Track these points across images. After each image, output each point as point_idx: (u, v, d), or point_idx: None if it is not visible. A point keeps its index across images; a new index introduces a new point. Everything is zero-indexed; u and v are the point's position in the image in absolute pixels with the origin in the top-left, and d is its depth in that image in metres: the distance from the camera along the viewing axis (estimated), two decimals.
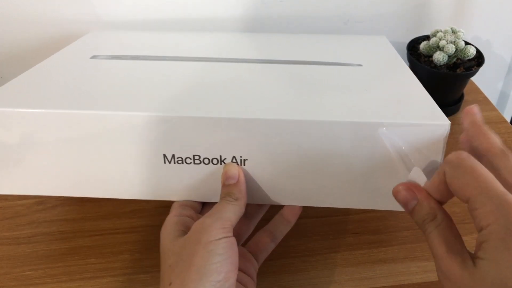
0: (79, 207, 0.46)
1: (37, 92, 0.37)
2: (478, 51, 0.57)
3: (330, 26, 0.67)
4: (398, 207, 0.33)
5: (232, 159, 0.35)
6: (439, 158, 0.34)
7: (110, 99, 0.36)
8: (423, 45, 0.57)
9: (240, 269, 0.34)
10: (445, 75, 0.54)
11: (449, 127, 0.33)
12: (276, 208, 0.38)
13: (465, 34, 0.55)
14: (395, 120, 0.33)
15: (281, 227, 0.37)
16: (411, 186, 0.28)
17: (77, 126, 0.34)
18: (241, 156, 0.35)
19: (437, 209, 0.27)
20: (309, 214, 0.38)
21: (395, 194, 0.29)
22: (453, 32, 0.55)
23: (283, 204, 0.37)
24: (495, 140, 0.28)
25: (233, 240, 0.31)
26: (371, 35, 0.59)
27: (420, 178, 0.29)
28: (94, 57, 0.46)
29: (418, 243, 0.42)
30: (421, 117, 0.34)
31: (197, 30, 0.64)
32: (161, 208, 0.45)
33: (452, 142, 0.34)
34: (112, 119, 0.34)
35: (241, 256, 0.34)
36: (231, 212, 0.33)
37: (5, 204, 0.46)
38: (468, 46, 0.54)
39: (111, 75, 0.41)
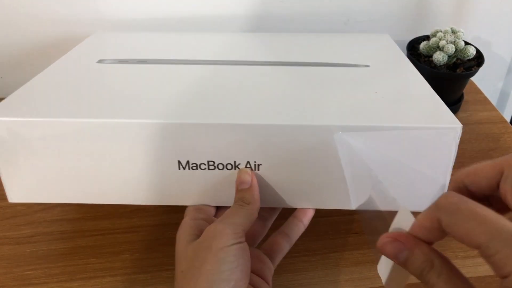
0: (79, 207, 0.46)
1: (47, 101, 0.37)
2: (478, 51, 0.57)
3: (330, 26, 0.67)
4: (420, 208, 0.33)
5: (246, 164, 0.35)
6: (450, 162, 0.35)
7: (122, 107, 0.36)
8: (423, 45, 0.57)
9: (254, 272, 0.34)
10: (445, 75, 0.54)
11: (461, 130, 0.33)
12: (290, 208, 0.38)
13: (465, 34, 0.55)
14: (407, 124, 0.33)
15: (295, 228, 0.37)
16: (397, 236, 0.25)
17: (91, 134, 0.34)
18: (255, 161, 0.35)
19: (432, 254, 0.23)
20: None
21: (381, 248, 0.25)
22: (453, 32, 0.55)
23: (297, 207, 0.37)
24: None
25: (245, 246, 0.31)
26: (374, 33, 0.59)
27: (407, 218, 0.26)
28: (100, 61, 0.45)
29: None
30: (433, 120, 0.34)
31: (199, 29, 0.65)
32: (161, 208, 0.45)
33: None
34: (126, 127, 0.34)
35: (255, 258, 0.34)
36: (243, 217, 0.33)
37: (5, 204, 0.46)
38: (468, 46, 0.54)
39: (120, 81, 0.41)
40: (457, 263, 0.40)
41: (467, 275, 0.40)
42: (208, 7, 0.63)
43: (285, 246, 0.37)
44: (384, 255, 0.25)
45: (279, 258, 0.36)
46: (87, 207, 0.46)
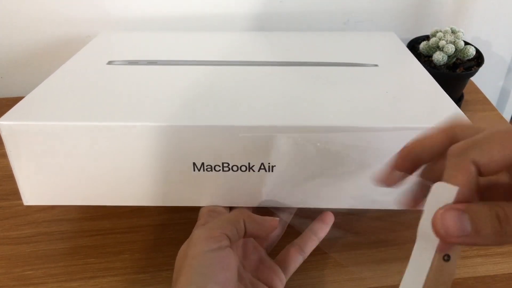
0: (79, 207, 0.46)
1: (61, 104, 0.37)
2: (478, 51, 0.57)
3: (329, 26, 0.67)
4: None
5: (260, 166, 0.35)
6: None
7: (137, 110, 0.36)
8: (423, 45, 0.57)
9: (265, 282, 0.33)
10: (445, 75, 0.54)
11: None
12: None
13: (465, 34, 0.55)
14: (420, 125, 0.34)
15: (310, 242, 0.37)
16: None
17: (106, 138, 0.34)
18: (269, 163, 0.35)
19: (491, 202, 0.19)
20: (309, 215, 0.38)
21: (443, 227, 0.19)
22: (453, 32, 0.55)
23: (310, 206, 0.38)
24: None
25: (224, 253, 0.29)
26: (379, 31, 0.59)
27: (447, 193, 0.20)
28: (110, 62, 0.45)
29: None
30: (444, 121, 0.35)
31: (200, 28, 0.65)
32: (161, 207, 0.45)
33: None
34: (141, 130, 0.34)
35: (268, 268, 0.34)
36: (225, 220, 0.31)
37: (5, 204, 0.46)
38: (468, 46, 0.54)
39: (132, 84, 0.41)
40: (457, 263, 0.40)
41: (467, 275, 0.41)
42: (208, 7, 0.63)
43: (298, 258, 0.36)
44: (447, 237, 0.19)
45: (292, 270, 0.36)
46: (87, 207, 0.46)
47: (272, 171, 0.35)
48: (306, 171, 0.35)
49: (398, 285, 0.39)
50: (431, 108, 0.37)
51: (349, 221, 0.44)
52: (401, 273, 0.39)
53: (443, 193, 0.20)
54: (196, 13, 0.63)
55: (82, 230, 0.44)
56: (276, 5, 0.64)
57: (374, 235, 0.43)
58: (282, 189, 0.37)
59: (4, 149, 0.52)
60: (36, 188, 0.37)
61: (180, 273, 0.29)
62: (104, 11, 0.62)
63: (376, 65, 0.45)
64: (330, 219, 0.38)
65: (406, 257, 0.41)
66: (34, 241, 0.43)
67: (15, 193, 0.37)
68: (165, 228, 0.44)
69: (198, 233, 0.30)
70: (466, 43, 0.55)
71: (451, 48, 0.53)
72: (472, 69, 0.54)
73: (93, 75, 0.43)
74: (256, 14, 0.64)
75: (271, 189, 0.36)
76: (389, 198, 0.37)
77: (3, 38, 0.63)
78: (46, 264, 0.40)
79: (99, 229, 0.44)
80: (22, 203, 0.46)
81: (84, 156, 0.35)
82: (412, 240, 0.44)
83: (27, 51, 0.64)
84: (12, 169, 0.36)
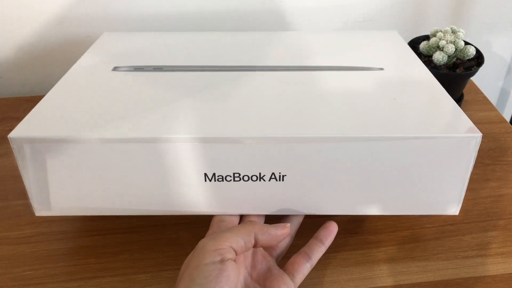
0: None
1: (69, 116, 0.37)
2: (478, 51, 0.57)
3: (329, 26, 0.67)
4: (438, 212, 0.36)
5: (271, 175, 0.35)
6: (468, 168, 0.35)
7: (146, 122, 0.36)
8: (423, 45, 0.57)
9: None
10: (445, 75, 0.54)
11: (480, 139, 0.34)
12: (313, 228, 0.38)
13: (465, 34, 0.55)
14: (428, 134, 0.34)
15: (317, 249, 0.36)
16: None
17: (117, 151, 0.34)
18: (280, 173, 0.35)
19: None
20: (309, 214, 0.38)
21: None
22: (453, 32, 0.55)
23: (319, 214, 0.38)
24: None
25: (226, 266, 0.29)
26: (381, 30, 0.59)
27: None
28: (115, 68, 0.45)
29: (418, 243, 0.42)
30: (453, 129, 0.35)
31: (199, 27, 0.65)
32: None
33: None
34: (153, 142, 0.34)
35: (275, 277, 0.34)
36: (234, 233, 0.31)
37: (5, 204, 0.46)
38: (468, 46, 0.55)
39: (139, 93, 0.41)
40: (457, 263, 0.40)
41: (467, 275, 0.41)
42: (207, 5, 0.63)
43: (306, 267, 0.36)
44: None
45: (300, 278, 0.35)
46: None
47: (283, 180, 0.36)
48: (316, 178, 0.36)
49: (399, 285, 0.39)
50: (439, 116, 0.37)
51: (350, 221, 0.44)
52: (401, 273, 0.40)
53: None
54: (196, 12, 0.63)
55: (82, 230, 0.44)
56: (276, 4, 0.64)
57: (375, 235, 0.43)
58: (292, 197, 0.37)
59: (4, 149, 0.52)
60: (47, 199, 0.37)
61: (180, 281, 0.29)
62: (104, 10, 0.62)
63: (382, 69, 0.45)
64: (334, 228, 0.38)
65: (406, 257, 0.41)
66: (34, 241, 0.43)
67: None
68: (165, 228, 0.44)
69: (203, 244, 0.30)
70: (466, 43, 0.55)
71: (451, 48, 0.53)
72: (472, 69, 0.55)
73: (99, 83, 0.43)
74: (257, 13, 0.65)
75: (281, 197, 0.37)
76: (395, 203, 0.37)
77: (3, 38, 0.63)
78: (46, 265, 0.40)
79: (99, 229, 0.44)
80: (22, 203, 0.46)
81: (94, 168, 0.35)
82: (412, 240, 0.44)
83: (27, 51, 0.64)
84: (23, 180, 0.36)
